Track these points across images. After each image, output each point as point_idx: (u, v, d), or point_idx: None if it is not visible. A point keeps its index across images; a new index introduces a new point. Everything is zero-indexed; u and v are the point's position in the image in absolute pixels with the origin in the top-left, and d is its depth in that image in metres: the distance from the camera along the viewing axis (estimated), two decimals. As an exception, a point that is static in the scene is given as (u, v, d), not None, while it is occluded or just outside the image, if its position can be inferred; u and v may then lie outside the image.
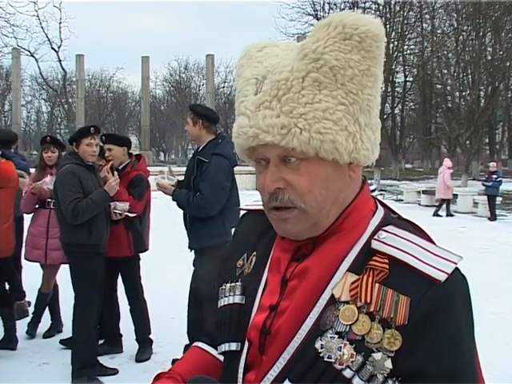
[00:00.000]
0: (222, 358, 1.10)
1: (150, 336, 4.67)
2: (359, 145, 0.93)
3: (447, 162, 16.49)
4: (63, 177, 4.00)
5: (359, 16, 0.91)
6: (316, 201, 0.93)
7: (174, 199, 4.11)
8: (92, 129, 4.15)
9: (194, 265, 4.27)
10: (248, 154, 0.99)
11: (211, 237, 3.94)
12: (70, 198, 3.88)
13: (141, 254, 4.68)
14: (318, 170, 0.92)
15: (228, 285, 1.09)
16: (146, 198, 4.60)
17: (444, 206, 15.74)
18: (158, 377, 1.09)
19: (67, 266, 4.18)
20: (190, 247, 4.18)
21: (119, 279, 4.69)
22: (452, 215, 15.45)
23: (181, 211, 4.22)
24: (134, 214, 4.37)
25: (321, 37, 0.90)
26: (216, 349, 1.12)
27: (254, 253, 1.09)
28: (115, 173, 4.24)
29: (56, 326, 5.05)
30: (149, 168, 4.97)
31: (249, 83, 0.95)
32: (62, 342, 4.65)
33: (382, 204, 1.04)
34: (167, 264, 7.43)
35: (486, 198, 15.77)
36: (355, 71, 0.90)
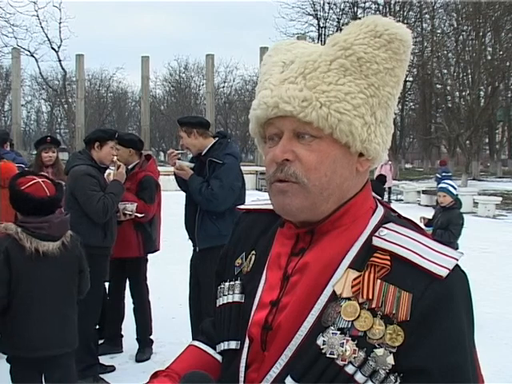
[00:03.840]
0: (219, 357, 1.10)
1: (151, 336, 4.67)
2: (372, 137, 0.95)
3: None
4: (81, 179, 3.89)
5: (391, 21, 0.96)
6: (320, 180, 0.94)
7: (188, 183, 4.07)
8: (117, 133, 4.22)
9: (191, 262, 4.24)
10: (261, 132, 1.02)
11: (220, 236, 3.91)
12: (96, 196, 3.84)
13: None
14: (329, 151, 0.94)
15: (227, 284, 1.09)
16: (157, 200, 4.59)
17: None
18: (155, 375, 1.10)
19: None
20: (197, 246, 4.12)
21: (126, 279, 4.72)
22: (390, 201, 17.80)
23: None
24: (143, 215, 4.37)
25: (353, 31, 0.95)
26: (213, 347, 1.12)
27: (253, 252, 1.09)
28: (116, 161, 4.20)
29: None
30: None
31: (275, 65, 0.99)
32: None
33: (382, 203, 1.05)
34: (168, 264, 7.43)
35: (485, 197, 16.32)
36: (380, 67, 0.94)
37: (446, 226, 5.72)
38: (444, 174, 17.57)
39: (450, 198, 6.06)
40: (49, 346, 2.84)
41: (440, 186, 6.41)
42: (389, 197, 18.82)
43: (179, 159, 4.27)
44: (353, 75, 0.93)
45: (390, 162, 19.21)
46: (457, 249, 4.33)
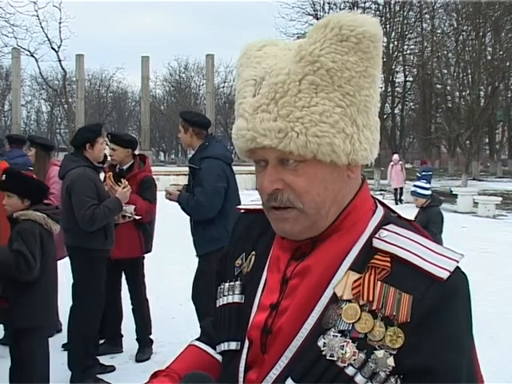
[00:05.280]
0: (219, 357, 1.10)
1: (150, 336, 4.67)
2: (357, 146, 0.93)
3: (396, 156, 19.16)
4: (79, 181, 3.84)
5: (356, 17, 0.90)
6: (314, 201, 0.93)
7: (179, 202, 4.12)
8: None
9: (197, 269, 4.26)
10: (248, 155, 1.00)
11: (214, 241, 3.92)
12: (88, 203, 3.78)
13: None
14: (316, 172, 0.92)
15: (227, 284, 1.09)
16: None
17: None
18: (155, 374, 1.10)
19: (65, 266, 4.14)
20: (196, 253, 4.20)
21: (122, 279, 4.72)
22: (401, 201, 18.09)
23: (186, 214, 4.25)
24: (140, 216, 4.38)
25: (317, 38, 0.89)
26: (213, 347, 1.13)
27: (253, 252, 1.09)
28: (124, 181, 4.19)
29: (55, 326, 5.05)
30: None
31: (247, 84, 0.95)
32: (64, 346, 4.63)
33: (382, 203, 1.04)
34: (169, 264, 7.44)
35: (485, 197, 16.46)
36: (352, 73, 0.89)
37: (425, 224, 5.73)
38: (424, 172, 18.02)
39: (423, 200, 6.11)
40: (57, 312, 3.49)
41: (411, 190, 6.49)
42: (400, 198, 18.39)
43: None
44: (325, 90, 0.89)
45: (400, 162, 18.68)
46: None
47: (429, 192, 6.18)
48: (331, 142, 0.90)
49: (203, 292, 4.08)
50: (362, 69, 0.90)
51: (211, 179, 3.96)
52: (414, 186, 6.37)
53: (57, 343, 4.66)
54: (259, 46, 0.99)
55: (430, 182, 18.27)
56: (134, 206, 4.30)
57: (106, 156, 4.50)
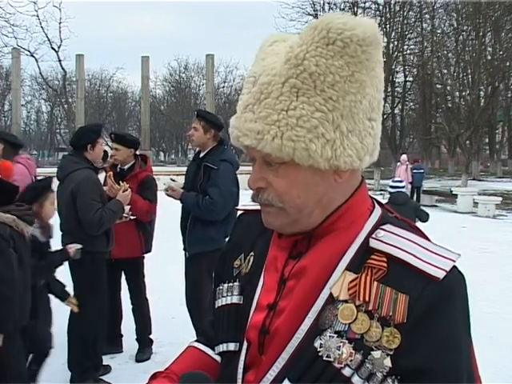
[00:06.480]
0: (218, 357, 1.10)
1: (150, 336, 4.67)
2: (339, 151, 0.90)
3: (404, 156, 19.10)
4: (86, 184, 3.78)
5: (348, 19, 0.87)
6: (294, 202, 0.94)
7: (182, 201, 4.10)
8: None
9: (186, 268, 4.23)
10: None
11: (211, 242, 3.92)
12: (96, 207, 3.75)
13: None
14: (297, 174, 0.92)
15: (225, 285, 1.09)
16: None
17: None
18: (154, 376, 1.10)
19: (64, 265, 4.11)
20: (188, 251, 4.17)
21: (121, 279, 4.72)
22: None
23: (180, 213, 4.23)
24: (135, 216, 4.38)
25: (306, 41, 0.88)
26: (212, 348, 1.12)
27: (252, 253, 1.09)
28: (125, 183, 4.16)
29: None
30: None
31: (248, 81, 0.96)
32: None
33: (380, 204, 1.04)
34: (168, 264, 7.43)
35: (485, 197, 16.49)
36: (336, 77, 0.87)
37: None
38: (415, 170, 18.40)
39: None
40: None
41: None
42: None
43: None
44: (306, 94, 0.87)
45: (407, 163, 18.55)
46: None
47: (392, 190, 6.36)
48: (307, 147, 0.88)
49: (190, 292, 4.08)
50: (348, 73, 0.88)
51: (228, 182, 4.00)
52: None
53: (57, 343, 4.66)
54: (271, 42, 0.98)
55: (421, 180, 18.47)
56: (129, 207, 4.28)
57: (106, 154, 4.48)
